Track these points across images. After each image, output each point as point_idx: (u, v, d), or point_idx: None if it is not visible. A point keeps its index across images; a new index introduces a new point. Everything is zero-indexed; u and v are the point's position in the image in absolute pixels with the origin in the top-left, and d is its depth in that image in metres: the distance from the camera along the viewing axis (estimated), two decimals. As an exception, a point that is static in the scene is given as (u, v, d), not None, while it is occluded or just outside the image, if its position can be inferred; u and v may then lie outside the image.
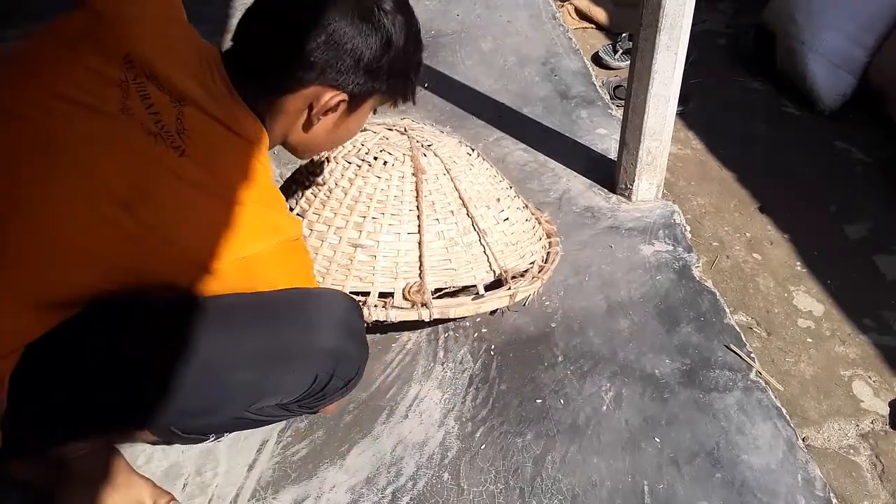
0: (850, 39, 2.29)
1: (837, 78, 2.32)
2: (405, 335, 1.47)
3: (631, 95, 1.70)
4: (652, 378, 1.40)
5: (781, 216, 1.99)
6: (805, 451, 1.30)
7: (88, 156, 0.88)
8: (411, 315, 1.27)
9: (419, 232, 1.32)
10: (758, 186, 2.09)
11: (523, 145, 2.03)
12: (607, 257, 1.67)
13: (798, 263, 1.86)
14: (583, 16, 2.89)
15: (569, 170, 1.94)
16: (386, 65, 1.03)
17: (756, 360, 1.45)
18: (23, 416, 0.89)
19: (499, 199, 1.43)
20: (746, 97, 2.49)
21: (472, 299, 1.31)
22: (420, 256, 1.31)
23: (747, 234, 1.94)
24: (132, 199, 0.87)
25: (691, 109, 2.41)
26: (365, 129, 1.45)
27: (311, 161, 1.44)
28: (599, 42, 2.79)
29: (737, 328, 1.51)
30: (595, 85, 2.32)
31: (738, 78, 2.59)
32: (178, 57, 0.97)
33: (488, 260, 1.36)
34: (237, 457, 1.25)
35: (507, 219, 1.42)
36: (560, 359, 1.44)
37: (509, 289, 1.33)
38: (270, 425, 1.27)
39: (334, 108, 1.04)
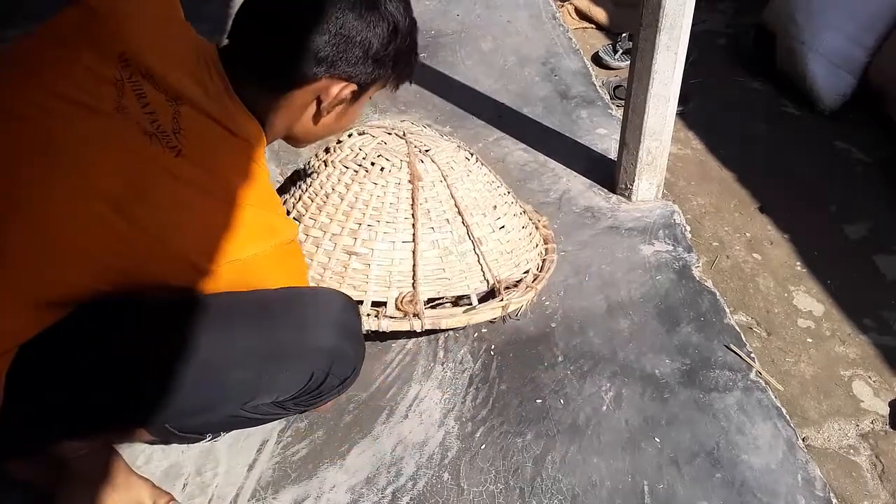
0: (850, 39, 2.29)
1: (837, 78, 2.32)
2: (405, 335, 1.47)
3: (631, 95, 1.70)
4: (652, 378, 1.40)
5: (781, 216, 1.99)
6: (805, 451, 1.30)
7: (86, 155, 0.88)
8: (403, 325, 1.28)
9: (414, 241, 1.31)
10: (758, 186, 2.09)
11: (523, 145, 2.03)
12: (607, 257, 1.67)
13: (798, 263, 1.86)
14: (583, 16, 2.89)
15: (569, 170, 1.94)
16: (393, 51, 1.03)
17: (756, 360, 1.45)
18: (18, 416, 0.89)
19: (495, 207, 1.42)
20: (746, 97, 2.49)
21: (464, 311, 1.31)
22: (414, 266, 1.30)
23: (747, 234, 1.94)
24: (127, 199, 0.86)
25: (691, 109, 2.41)
26: (363, 133, 1.45)
27: (309, 164, 1.44)
28: (599, 42, 2.79)
29: (737, 328, 1.51)
30: (595, 85, 2.32)
31: (738, 78, 2.59)
32: (174, 55, 0.97)
33: (482, 269, 1.35)
34: (237, 457, 1.25)
35: (504, 227, 1.41)
36: (560, 359, 1.44)
37: (502, 300, 1.33)
38: (270, 425, 1.27)
39: (344, 100, 1.04)
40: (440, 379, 1.39)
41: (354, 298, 1.25)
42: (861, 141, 2.26)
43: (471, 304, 1.33)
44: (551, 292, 1.57)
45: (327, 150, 1.42)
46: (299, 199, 1.37)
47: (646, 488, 1.22)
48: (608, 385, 1.39)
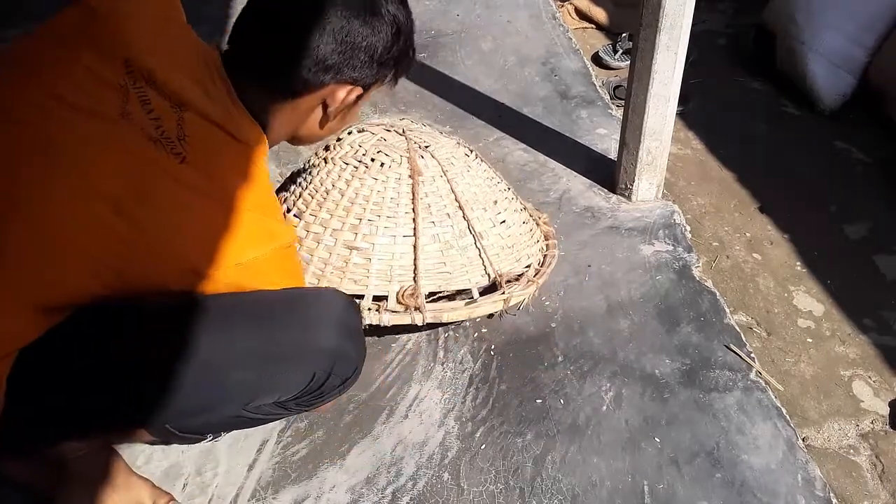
0: (850, 39, 2.29)
1: (837, 78, 2.32)
2: (405, 335, 1.47)
3: (631, 95, 1.70)
4: (652, 378, 1.40)
5: (781, 216, 1.99)
6: (805, 451, 1.30)
7: (86, 156, 0.88)
8: (404, 319, 1.27)
9: (415, 235, 1.31)
10: (758, 186, 2.09)
11: (523, 145, 2.03)
12: (607, 257, 1.67)
13: (798, 263, 1.86)
14: (583, 16, 2.89)
15: (569, 170, 1.94)
16: (396, 52, 1.04)
17: (756, 360, 1.45)
18: (19, 418, 0.89)
19: (496, 202, 1.43)
20: (746, 97, 2.49)
21: (466, 304, 1.31)
22: (415, 260, 1.30)
23: (747, 234, 1.94)
24: (129, 202, 0.87)
25: (691, 109, 2.41)
26: (363, 130, 1.45)
27: (309, 162, 1.44)
28: (599, 42, 2.79)
29: (737, 328, 1.51)
30: (595, 85, 2.32)
31: (738, 78, 2.59)
32: (177, 60, 0.96)
33: (483, 263, 1.35)
34: (237, 457, 1.24)
35: (504, 221, 1.42)
36: (560, 359, 1.44)
37: (503, 293, 1.33)
38: (270, 425, 1.27)
39: (350, 103, 1.05)
40: (440, 379, 1.39)
41: (356, 293, 1.26)
42: (861, 141, 2.26)
43: (472, 298, 1.33)
44: (551, 292, 1.57)
45: (327, 148, 1.42)
46: (299, 196, 1.37)
47: (646, 488, 1.22)
48: (608, 385, 1.39)
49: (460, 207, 1.36)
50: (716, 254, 1.88)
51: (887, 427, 1.49)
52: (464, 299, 1.32)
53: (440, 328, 1.48)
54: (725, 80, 2.57)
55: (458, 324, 1.49)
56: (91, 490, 1.07)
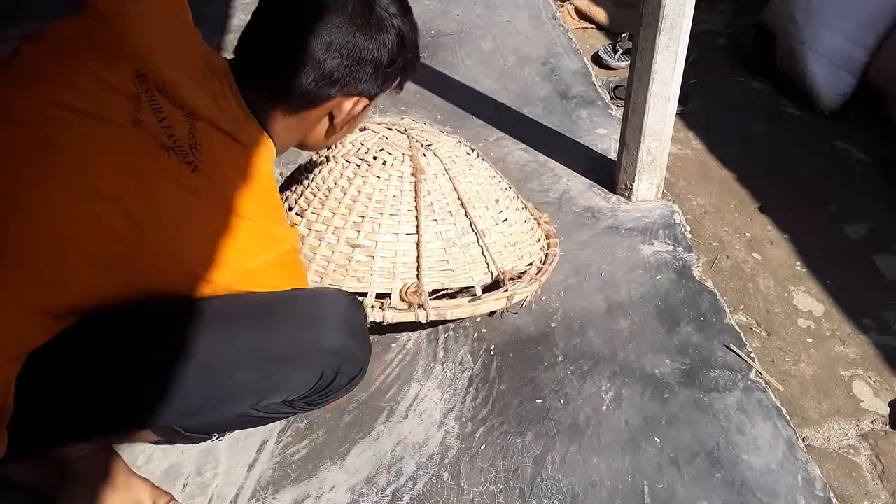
0: (850, 39, 2.29)
1: (837, 78, 2.32)
2: (405, 335, 1.47)
3: (631, 95, 1.70)
4: (652, 378, 1.40)
5: (781, 216, 1.99)
6: (805, 451, 1.30)
7: (86, 157, 0.88)
8: (408, 316, 1.27)
9: (417, 232, 1.31)
10: (758, 186, 2.09)
11: (523, 145, 2.03)
12: (607, 257, 1.67)
13: (798, 263, 1.86)
14: (583, 16, 2.89)
15: (569, 170, 1.94)
16: (401, 62, 1.05)
17: (756, 360, 1.45)
18: (27, 421, 0.89)
19: (498, 200, 1.43)
20: (746, 97, 2.49)
21: (470, 301, 1.31)
22: (418, 257, 1.30)
23: (747, 234, 1.94)
24: (139, 207, 0.87)
25: (691, 109, 2.41)
26: (365, 129, 1.45)
27: (311, 160, 1.44)
28: (599, 42, 2.79)
29: (737, 328, 1.51)
30: (595, 85, 2.32)
31: (738, 78, 2.59)
32: (187, 68, 0.97)
33: (486, 261, 1.36)
34: (237, 457, 1.25)
35: (506, 219, 1.42)
36: (560, 359, 1.44)
37: (507, 290, 1.33)
38: (270, 425, 1.27)
39: (356, 114, 1.07)
40: (440, 379, 1.39)
41: (359, 290, 1.27)
42: (861, 141, 2.26)
43: (475, 295, 1.33)
44: (551, 292, 1.57)
45: (328, 147, 1.42)
46: (301, 194, 1.37)
47: (646, 488, 1.22)
48: (608, 385, 1.39)
49: (462, 205, 1.36)
50: (716, 254, 1.88)
51: (887, 427, 1.49)
52: (467, 297, 1.32)
53: (440, 328, 1.48)
54: (725, 80, 2.57)
55: (458, 324, 1.49)
56: (92, 490, 1.07)
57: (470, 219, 1.36)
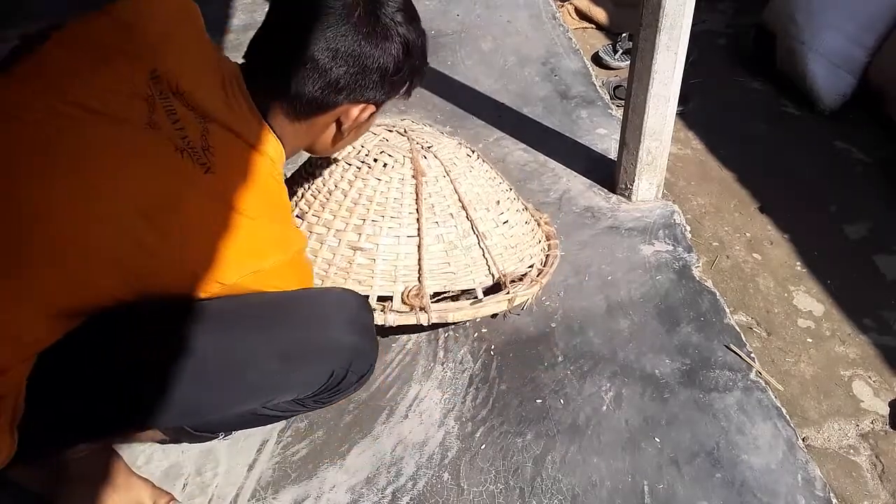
0: (850, 39, 2.29)
1: (837, 78, 2.32)
2: (405, 335, 1.47)
3: (631, 95, 1.70)
4: (652, 378, 1.40)
5: (781, 216, 1.99)
6: (805, 451, 1.30)
7: (109, 163, 0.88)
8: (409, 319, 1.27)
9: (419, 235, 1.31)
10: (758, 186, 2.09)
11: (523, 145, 2.03)
12: (607, 257, 1.67)
13: (798, 263, 1.86)
14: (583, 16, 2.89)
15: (569, 170, 1.94)
16: (407, 69, 1.06)
17: (756, 360, 1.45)
18: (35, 422, 0.89)
19: (498, 202, 1.43)
20: (746, 97, 2.49)
21: (471, 303, 1.31)
22: (419, 260, 1.30)
23: (747, 234, 1.94)
24: (155, 210, 0.88)
25: (691, 109, 2.41)
26: (365, 131, 1.45)
27: (311, 162, 1.44)
28: (599, 42, 2.79)
29: (737, 328, 1.51)
30: (595, 85, 2.32)
31: (738, 78, 2.59)
32: (202, 73, 0.98)
33: (487, 263, 1.35)
34: (237, 457, 1.25)
35: (507, 221, 1.42)
36: (560, 359, 1.44)
37: (508, 293, 1.33)
38: (270, 425, 1.27)
39: (363, 120, 1.08)
40: (440, 379, 1.39)
41: (360, 293, 1.27)
42: (861, 141, 2.26)
43: (477, 298, 1.33)
44: (551, 292, 1.57)
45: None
46: (301, 196, 1.37)
47: (646, 488, 1.22)
48: (608, 385, 1.39)
49: (463, 207, 1.36)
50: (716, 254, 1.88)
51: (887, 427, 1.49)
52: (468, 299, 1.32)
53: (440, 328, 1.48)
54: (725, 80, 2.57)
55: (458, 324, 1.49)
56: (92, 490, 1.08)
57: (471, 221, 1.36)
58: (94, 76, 0.92)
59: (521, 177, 1.90)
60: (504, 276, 1.35)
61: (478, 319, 1.49)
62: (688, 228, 1.78)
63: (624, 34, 2.65)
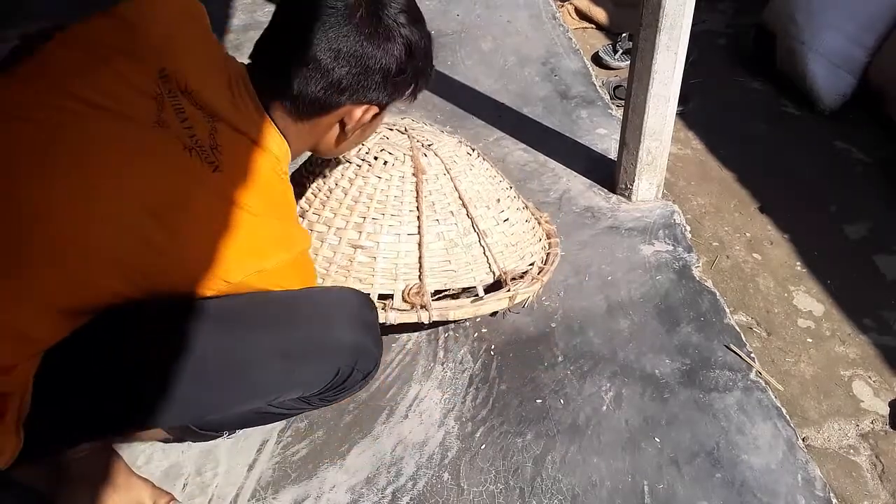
0: (850, 39, 2.29)
1: (837, 78, 2.32)
2: (405, 335, 1.47)
3: (631, 95, 1.70)
4: (652, 378, 1.40)
5: (781, 216, 1.99)
6: (805, 451, 1.30)
7: (112, 161, 0.88)
8: (410, 317, 1.27)
9: (419, 233, 1.31)
10: (758, 186, 2.09)
11: (523, 145, 2.03)
12: (607, 257, 1.67)
13: (798, 263, 1.86)
14: (583, 16, 2.89)
15: (569, 170, 1.94)
16: (410, 71, 1.06)
17: (756, 360, 1.45)
18: (41, 420, 0.89)
19: (499, 200, 1.43)
20: (746, 97, 2.49)
21: (472, 301, 1.31)
22: (420, 258, 1.30)
23: (747, 234, 1.94)
24: (164, 209, 0.88)
25: (691, 109, 2.41)
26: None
27: (312, 161, 1.44)
28: (599, 42, 2.79)
29: (737, 328, 1.51)
30: (595, 85, 2.32)
31: (738, 78, 2.59)
32: (208, 72, 0.99)
33: (488, 261, 1.36)
34: (237, 457, 1.25)
35: (507, 219, 1.42)
36: (560, 359, 1.44)
37: (509, 290, 1.33)
38: (270, 425, 1.27)
39: (366, 121, 1.08)
40: (440, 379, 1.39)
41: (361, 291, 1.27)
42: (861, 141, 2.26)
43: (478, 296, 1.33)
44: (551, 292, 1.57)
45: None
46: (302, 194, 1.37)
47: (646, 488, 1.22)
48: (608, 385, 1.39)
49: (464, 205, 1.36)
50: (716, 254, 1.88)
51: (887, 427, 1.49)
52: (469, 297, 1.32)
53: (440, 328, 1.48)
54: (725, 80, 2.57)
55: (458, 324, 1.49)
56: (92, 490, 1.08)
57: (471, 219, 1.36)
58: (98, 74, 0.93)
59: (521, 177, 1.90)
60: (505, 273, 1.35)
61: (478, 319, 1.49)
62: (688, 228, 1.78)
63: (624, 34, 2.65)
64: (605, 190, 1.87)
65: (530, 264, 1.42)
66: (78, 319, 0.89)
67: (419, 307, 1.27)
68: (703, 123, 2.35)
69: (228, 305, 0.95)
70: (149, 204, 0.87)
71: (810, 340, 1.66)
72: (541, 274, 1.41)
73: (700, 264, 1.67)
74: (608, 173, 1.89)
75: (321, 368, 1.04)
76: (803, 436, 1.44)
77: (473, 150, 1.50)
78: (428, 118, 2.11)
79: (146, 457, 1.23)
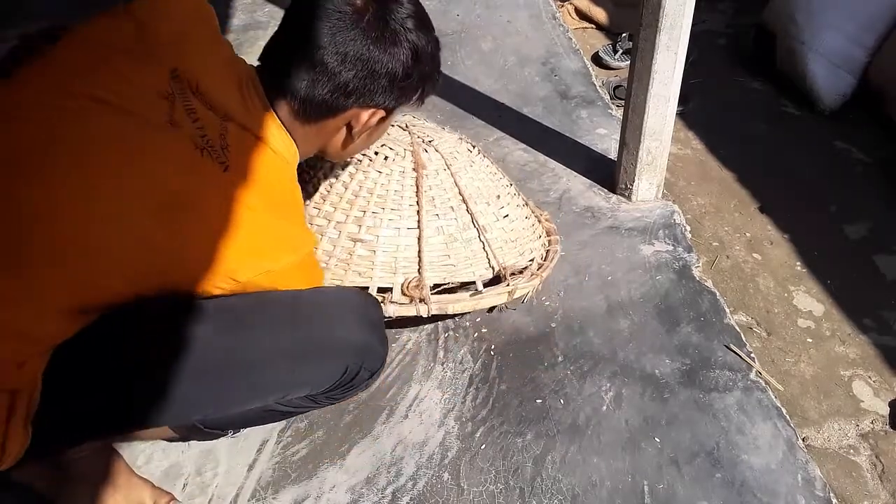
0: (850, 39, 2.29)
1: (837, 78, 2.32)
2: (405, 335, 1.47)
3: (631, 95, 1.70)
4: (652, 378, 1.40)
5: (781, 216, 1.99)
6: (805, 451, 1.30)
7: (113, 160, 0.88)
8: (409, 310, 1.27)
9: (419, 227, 1.32)
10: (758, 186, 2.09)
11: (523, 145, 2.03)
12: (607, 257, 1.67)
13: (798, 263, 1.86)
14: (583, 16, 2.89)
15: (569, 170, 1.94)
16: (417, 75, 1.06)
17: (756, 360, 1.45)
18: (47, 418, 0.89)
19: (499, 196, 1.43)
20: (746, 97, 2.49)
21: (471, 295, 1.31)
22: (419, 252, 1.31)
23: (747, 234, 1.94)
24: (174, 208, 0.88)
25: (691, 109, 2.41)
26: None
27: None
28: (599, 42, 2.79)
29: (737, 328, 1.51)
30: (595, 85, 2.32)
31: (738, 78, 2.59)
32: (219, 73, 1.00)
33: (487, 256, 1.36)
34: (237, 457, 1.25)
35: (507, 216, 1.42)
36: (560, 359, 1.44)
37: (508, 285, 1.33)
38: (270, 425, 1.27)
39: (373, 125, 1.08)
40: (440, 379, 1.39)
41: (360, 285, 1.28)
42: (861, 141, 2.26)
43: (477, 290, 1.33)
44: (551, 292, 1.57)
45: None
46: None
47: (646, 488, 1.22)
48: (608, 385, 1.39)
49: (464, 201, 1.37)
50: (716, 254, 1.88)
51: (887, 427, 1.49)
52: (468, 292, 1.32)
53: (440, 327, 1.48)
54: (725, 80, 2.57)
55: (458, 323, 1.49)
56: (92, 490, 1.08)
57: (471, 214, 1.36)
58: (100, 74, 0.93)
59: (521, 176, 1.90)
60: (504, 268, 1.35)
61: (478, 319, 1.49)
62: (688, 228, 1.78)
63: (624, 34, 2.65)
64: (605, 190, 1.87)
65: (530, 260, 1.42)
66: (84, 318, 0.89)
67: (418, 300, 1.27)
68: (703, 123, 2.35)
69: (235, 305, 0.96)
70: (151, 203, 0.87)
71: (810, 340, 1.66)
72: (540, 270, 1.41)
73: (700, 264, 1.67)
74: (608, 173, 1.89)
75: (329, 367, 1.05)
76: (803, 436, 1.44)
77: (474, 146, 1.50)
78: (428, 118, 2.10)
79: (146, 457, 1.23)
